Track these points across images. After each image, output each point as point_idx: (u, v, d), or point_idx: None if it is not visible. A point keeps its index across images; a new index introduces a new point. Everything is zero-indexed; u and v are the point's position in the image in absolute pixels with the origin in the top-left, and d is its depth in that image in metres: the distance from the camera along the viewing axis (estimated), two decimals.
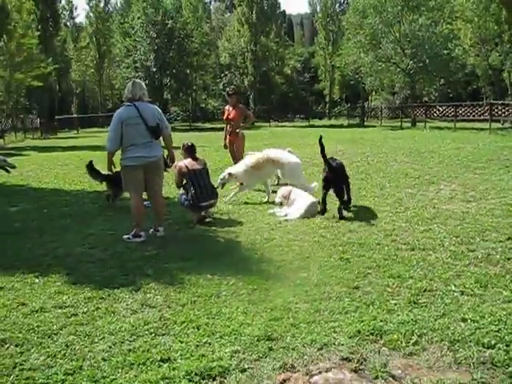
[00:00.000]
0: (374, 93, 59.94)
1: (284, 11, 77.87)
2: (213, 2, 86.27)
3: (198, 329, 4.34)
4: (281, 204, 8.84)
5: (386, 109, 49.37)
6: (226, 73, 61.32)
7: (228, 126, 11.80)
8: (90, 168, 10.06)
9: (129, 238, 7.36)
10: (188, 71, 52.77)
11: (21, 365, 3.87)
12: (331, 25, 59.81)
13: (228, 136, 11.76)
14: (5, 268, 6.30)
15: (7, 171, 8.34)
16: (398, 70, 39.82)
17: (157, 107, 7.65)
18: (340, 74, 60.71)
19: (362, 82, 46.53)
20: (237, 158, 11.47)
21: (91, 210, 9.72)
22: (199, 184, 8.24)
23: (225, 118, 11.89)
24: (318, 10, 67.07)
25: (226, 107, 12.00)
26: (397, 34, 38.40)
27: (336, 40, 58.18)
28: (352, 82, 54.24)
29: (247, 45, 56.82)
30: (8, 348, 4.16)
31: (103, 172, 9.65)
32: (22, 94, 58.02)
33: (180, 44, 50.11)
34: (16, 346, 4.19)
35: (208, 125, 53.18)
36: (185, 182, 8.40)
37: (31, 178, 14.47)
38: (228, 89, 12.82)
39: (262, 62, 57.88)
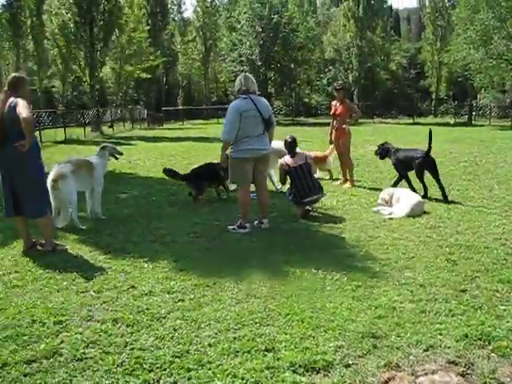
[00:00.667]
0: (482, 91, 57.66)
1: (391, 6, 76.26)
2: None
3: (303, 322, 4.39)
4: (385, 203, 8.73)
5: (496, 107, 47.41)
6: (330, 68, 60.84)
7: (334, 122, 11.52)
8: (168, 173, 10.40)
9: (234, 229, 7.53)
10: (292, 65, 52.73)
11: (131, 344, 4.08)
12: (440, 20, 57.85)
13: (334, 131, 11.50)
14: (116, 251, 6.65)
15: (116, 158, 8.82)
16: (510, 67, 38.07)
17: (266, 100, 7.76)
18: (447, 71, 58.79)
19: (471, 80, 44.71)
20: (343, 153, 11.36)
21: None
22: (300, 180, 8.29)
23: (331, 113, 11.62)
24: (427, 4, 65.12)
25: (333, 102, 11.70)
26: (510, 30, 36.71)
27: (445, 35, 56.23)
28: (460, 80, 52.47)
29: (353, 40, 55.99)
30: (119, 327, 4.39)
31: (181, 172, 10.32)
32: (131, 85, 60.30)
33: (285, 38, 50.14)
34: (127, 326, 4.42)
35: (311, 119, 53.04)
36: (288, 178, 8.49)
37: (139, 166, 15.02)
38: (335, 84, 12.56)
39: (368, 57, 56.89)
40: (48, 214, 6.84)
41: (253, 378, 3.54)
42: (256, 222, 7.82)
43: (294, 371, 3.62)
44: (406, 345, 3.94)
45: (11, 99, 6.32)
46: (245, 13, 51.35)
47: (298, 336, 4.13)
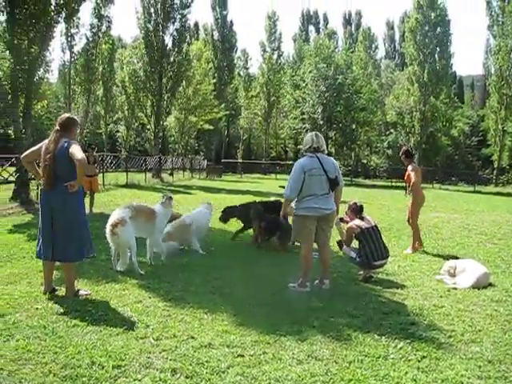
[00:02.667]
0: None
1: (455, 72, 75.86)
2: (383, 60, 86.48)
3: None
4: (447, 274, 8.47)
5: None
6: (392, 130, 60.87)
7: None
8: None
9: (294, 287, 7.41)
10: (354, 126, 52.96)
11: None
12: (505, 88, 57.35)
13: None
14: (175, 299, 6.62)
15: None
16: None
17: (334, 160, 7.73)
18: (511, 140, 58.00)
19: None
20: (411, 218, 11.18)
21: (256, 253, 9.90)
22: (374, 242, 8.16)
23: (406, 178, 11.34)
24: (492, 71, 64.83)
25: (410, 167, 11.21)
26: None
27: (510, 104, 55.65)
28: None
29: (416, 104, 56.00)
30: (178, 378, 4.33)
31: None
32: (193, 135, 61.56)
33: (348, 99, 50.45)
34: (186, 377, 4.36)
35: (368, 181, 52.87)
36: (357, 241, 8.36)
37: None
38: (406, 147, 12.01)
39: (430, 122, 56.72)
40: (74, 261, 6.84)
41: None
42: (316, 281, 7.68)
43: None
44: None
45: (63, 140, 6.47)
46: (310, 72, 52.06)
47: None
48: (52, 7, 17.70)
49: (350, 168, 59.53)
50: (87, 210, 14.65)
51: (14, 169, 17.45)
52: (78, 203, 6.71)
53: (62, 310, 5.97)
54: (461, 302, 7.04)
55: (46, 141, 6.62)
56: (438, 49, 55.64)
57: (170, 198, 9.01)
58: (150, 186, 29.33)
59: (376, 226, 8.43)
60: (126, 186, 26.97)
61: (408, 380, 4.45)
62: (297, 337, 5.39)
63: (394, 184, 47.75)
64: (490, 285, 8.02)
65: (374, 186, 42.92)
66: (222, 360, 4.72)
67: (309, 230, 7.42)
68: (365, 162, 66.82)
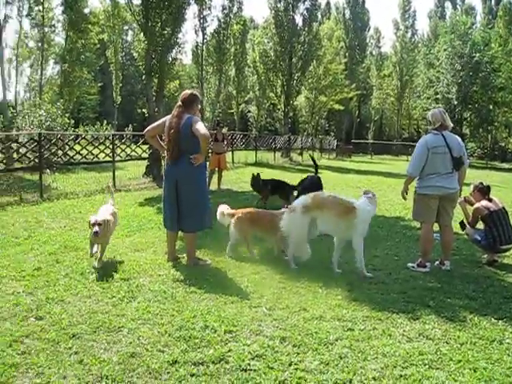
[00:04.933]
0: None
1: None
2: None
3: (475, 371, 4.12)
4: None
5: None
6: None
7: None
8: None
9: (413, 267, 7.30)
10: (491, 107, 50.46)
11: (295, 364, 4.11)
12: None
13: None
14: (292, 273, 6.76)
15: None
16: None
17: (459, 139, 7.48)
18: None
19: None
20: None
21: (377, 233, 9.79)
22: (502, 225, 7.81)
23: None
24: None
25: None
26: None
27: None
28: None
29: None
30: (286, 346, 4.44)
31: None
32: (323, 116, 61.39)
33: (485, 78, 48.16)
34: (294, 346, 4.46)
35: (506, 165, 50.32)
36: (482, 223, 8.04)
37: None
38: None
39: None
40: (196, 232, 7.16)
41: None
42: (437, 262, 7.51)
43: None
44: None
45: (186, 115, 6.72)
46: (445, 50, 50.24)
47: None
48: None
49: (486, 150, 56.89)
50: (215, 186, 15.21)
51: (147, 146, 18.30)
52: (201, 175, 7.01)
53: (182, 277, 6.29)
54: None
55: (169, 116, 6.93)
56: None
57: (374, 195, 7.39)
58: (278, 164, 29.69)
59: (504, 208, 8.05)
60: (255, 164, 27.47)
61: None
62: (409, 315, 5.33)
63: None
64: None
65: (510, 170, 40.81)
66: (331, 332, 4.77)
67: (431, 209, 7.26)
68: (503, 144, 63.46)
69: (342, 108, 56.24)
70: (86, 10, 45.98)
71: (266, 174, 20.55)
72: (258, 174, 13.00)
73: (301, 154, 38.29)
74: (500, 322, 5.27)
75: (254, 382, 3.78)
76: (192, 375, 3.83)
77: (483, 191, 8.15)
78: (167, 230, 7.19)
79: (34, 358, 4.00)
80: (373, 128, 74.28)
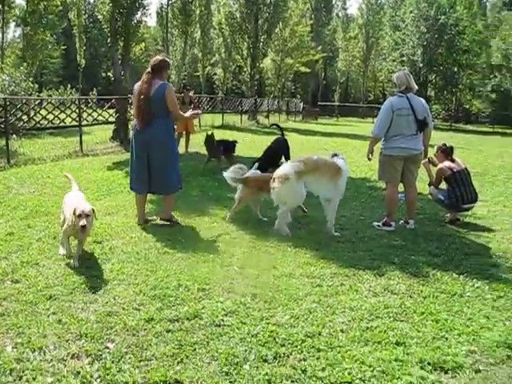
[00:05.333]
0: None
1: None
2: None
3: (437, 322, 4.36)
4: None
5: None
6: (496, 74, 57.81)
7: None
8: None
9: (379, 226, 7.54)
10: (455, 69, 50.90)
11: (267, 319, 4.30)
12: None
13: None
14: (262, 233, 6.94)
15: None
16: None
17: (424, 101, 7.66)
18: None
19: None
20: None
21: (344, 194, 9.98)
22: (464, 185, 8.08)
23: None
24: None
25: None
26: None
27: None
28: None
29: None
30: (258, 302, 4.63)
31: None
32: (290, 78, 61.22)
33: (450, 41, 48.50)
34: (265, 302, 4.65)
35: (469, 127, 51.04)
36: (446, 183, 8.29)
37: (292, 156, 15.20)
38: None
39: None
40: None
41: (380, 367, 3.59)
42: (402, 221, 7.77)
43: (422, 367, 3.62)
44: None
45: (157, 81, 6.80)
46: (410, 12, 50.40)
47: (431, 335, 4.11)
48: None
49: (450, 112, 57.55)
50: (183, 149, 15.26)
51: (113, 110, 18.16)
52: (172, 139, 7.13)
53: (154, 239, 6.42)
54: None
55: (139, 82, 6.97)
56: None
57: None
58: (245, 127, 29.72)
59: (466, 168, 8.30)
60: (222, 127, 27.46)
61: (481, 316, 4.51)
62: (375, 271, 5.56)
63: (495, 130, 45.87)
64: None
65: (473, 132, 41.50)
66: (300, 288, 4.97)
67: (395, 170, 7.46)
68: (467, 106, 64.26)
69: (308, 70, 56.13)
70: None
71: (235, 136, 20.66)
72: (212, 133, 13.16)
73: (267, 116, 38.30)
74: (461, 276, 5.52)
75: (228, 336, 3.95)
76: (168, 331, 3.99)
77: (446, 152, 8.37)
78: (136, 193, 7.28)
79: (14, 319, 4.10)
80: (339, 90, 74.45)
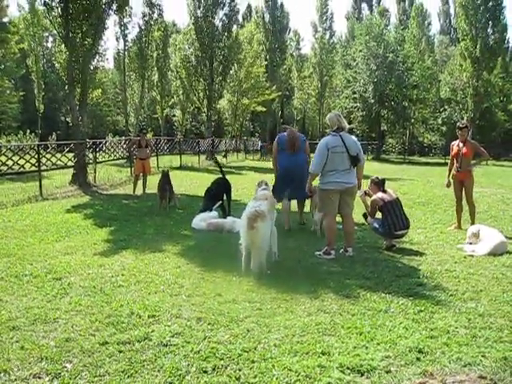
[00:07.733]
0: None
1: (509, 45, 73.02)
2: (437, 35, 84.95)
3: (360, 334, 4.95)
4: (470, 243, 8.98)
5: None
6: (446, 107, 59.80)
7: (455, 163, 10.97)
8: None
9: (320, 255, 8.18)
10: (406, 104, 52.55)
11: (209, 338, 4.84)
12: None
13: (455, 173, 10.95)
14: (211, 265, 7.49)
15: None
16: None
17: (355, 138, 8.40)
18: None
19: None
20: (467, 196, 10.85)
21: (292, 226, 10.64)
22: (396, 213, 8.80)
23: (453, 154, 11.04)
24: None
25: (454, 142, 11.18)
26: None
27: None
28: None
29: (469, 80, 54.77)
30: (202, 325, 5.19)
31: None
32: (247, 117, 62.31)
33: (400, 77, 50.04)
34: (208, 324, 5.21)
35: (423, 159, 52.64)
36: (380, 213, 9.00)
37: (244, 195, 15.79)
38: (459, 123, 11.45)
39: (484, 97, 55.40)
40: None
41: (305, 372, 4.15)
42: (341, 250, 8.40)
43: (341, 371, 4.19)
44: (447, 361, 4.39)
45: None
46: (360, 51, 51.97)
47: (353, 345, 4.70)
48: (103, 0, 18.71)
49: (403, 146, 59.17)
50: (140, 191, 15.78)
51: (72, 154, 18.59)
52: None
53: (110, 275, 6.92)
54: (473, 267, 7.60)
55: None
56: (490, 23, 53.79)
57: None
58: (203, 167, 30.35)
59: (397, 198, 9.05)
60: (180, 167, 28.04)
61: (401, 328, 5.12)
62: (311, 295, 6.15)
63: (447, 161, 47.22)
64: (508, 253, 8.49)
65: (427, 164, 42.86)
66: (241, 312, 5.53)
67: (333, 203, 8.16)
68: (420, 139, 66.15)
69: (264, 109, 57.35)
70: (6, 19, 45.18)
71: (190, 176, 21.21)
72: (168, 170, 13.91)
73: (225, 156, 39.02)
74: (388, 295, 6.15)
75: (173, 353, 4.48)
76: (120, 351, 4.50)
77: (379, 184, 9.15)
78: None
79: None
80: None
